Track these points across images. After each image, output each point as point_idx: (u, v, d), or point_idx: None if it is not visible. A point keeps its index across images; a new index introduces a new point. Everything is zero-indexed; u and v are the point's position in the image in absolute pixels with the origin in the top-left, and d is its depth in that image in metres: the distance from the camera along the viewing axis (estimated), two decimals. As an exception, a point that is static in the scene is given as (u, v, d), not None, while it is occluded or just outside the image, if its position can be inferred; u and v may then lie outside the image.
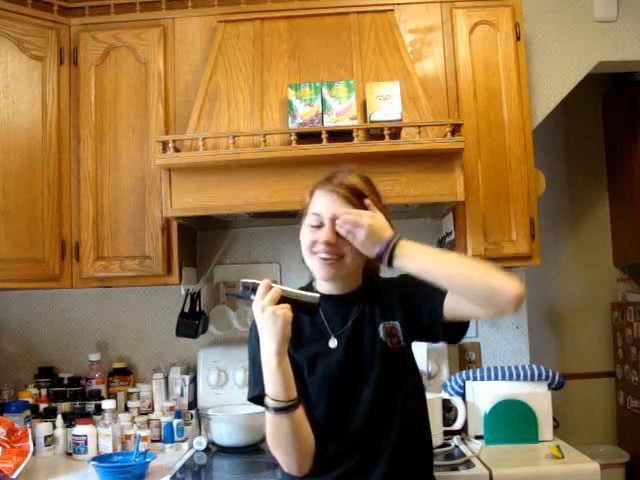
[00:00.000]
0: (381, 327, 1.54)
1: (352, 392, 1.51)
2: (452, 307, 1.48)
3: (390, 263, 1.45)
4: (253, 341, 1.54)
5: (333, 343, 1.54)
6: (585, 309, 3.84)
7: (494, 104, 2.42)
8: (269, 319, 1.39)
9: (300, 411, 1.44)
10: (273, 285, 1.43)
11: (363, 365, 1.52)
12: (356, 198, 1.51)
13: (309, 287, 1.64)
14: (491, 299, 1.39)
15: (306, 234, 1.55)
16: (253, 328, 1.54)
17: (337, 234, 1.49)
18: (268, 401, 1.43)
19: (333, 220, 1.49)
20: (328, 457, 1.49)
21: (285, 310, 1.40)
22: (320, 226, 1.52)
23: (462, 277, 1.41)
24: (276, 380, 1.41)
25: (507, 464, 2.06)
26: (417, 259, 1.45)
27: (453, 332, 1.53)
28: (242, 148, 2.19)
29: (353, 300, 1.58)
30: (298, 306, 1.44)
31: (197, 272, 2.72)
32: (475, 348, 2.70)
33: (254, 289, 1.43)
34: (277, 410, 1.42)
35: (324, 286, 1.60)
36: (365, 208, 1.50)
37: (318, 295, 1.47)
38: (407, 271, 1.46)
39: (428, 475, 1.60)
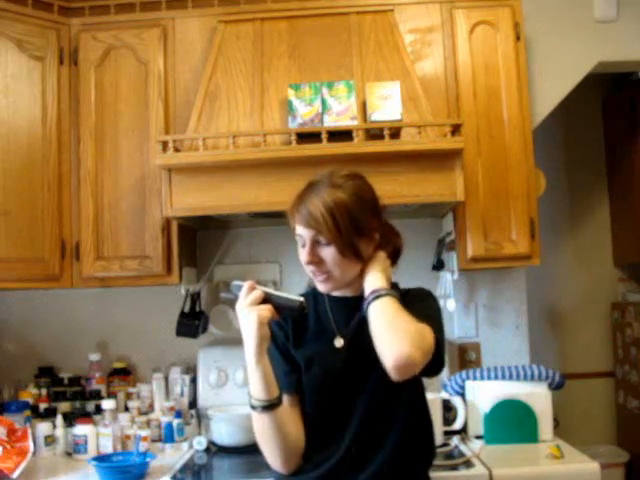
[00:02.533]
0: None
1: (349, 392, 1.50)
2: None
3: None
4: None
5: (339, 342, 1.54)
6: (585, 309, 3.84)
7: (494, 104, 2.42)
8: (244, 319, 1.42)
9: (282, 410, 1.46)
10: (257, 286, 1.44)
11: (364, 367, 1.50)
12: (331, 219, 1.46)
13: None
14: (381, 355, 1.35)
15: (299, 251, 1.53)
16: None
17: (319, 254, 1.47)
18: (250, 399, 1.46)
19: (313, 241, 1.47)
20: (317, 458, 1.50)
21: (262, 311, 1.40)
22: (304, 246, 1.51)
23: (379, 326, 1.38)
24: (255, 379, 1.43)
25: (507, 464, 2.06)
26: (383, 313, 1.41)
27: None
28: (242, 148, 2.19)
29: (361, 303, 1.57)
30: (281, 308, 1.45)
31: (197, 272, 2.72)
32: (475, 348, 2.70)
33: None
34: (257, 408, 1.44)
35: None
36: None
37: (301, 299, 1.46)
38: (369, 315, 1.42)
39: (421, 476, 1.59)
